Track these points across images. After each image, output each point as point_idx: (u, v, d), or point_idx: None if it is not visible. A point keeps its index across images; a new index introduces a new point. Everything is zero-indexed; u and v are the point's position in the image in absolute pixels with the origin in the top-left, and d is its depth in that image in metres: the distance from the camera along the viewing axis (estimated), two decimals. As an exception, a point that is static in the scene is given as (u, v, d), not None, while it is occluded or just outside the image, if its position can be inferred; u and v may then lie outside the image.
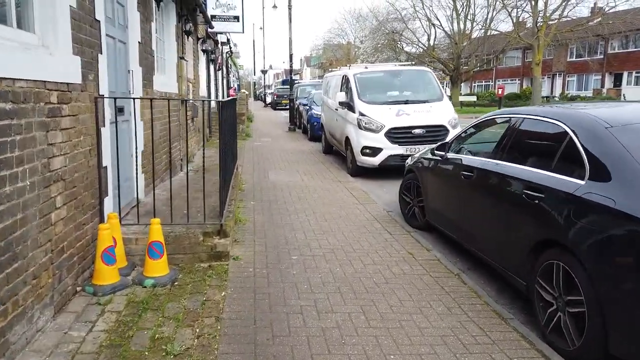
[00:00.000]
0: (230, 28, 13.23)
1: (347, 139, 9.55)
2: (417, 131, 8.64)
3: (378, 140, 8.68)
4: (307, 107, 17.24)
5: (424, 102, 9.30)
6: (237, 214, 5.79)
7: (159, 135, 6.62)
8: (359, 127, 8.97)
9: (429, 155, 5.63)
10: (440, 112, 9.01)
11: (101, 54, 4.05)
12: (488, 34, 38.96)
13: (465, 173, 4.41)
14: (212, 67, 15.81)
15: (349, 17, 60.52)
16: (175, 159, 8.18)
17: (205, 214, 4.62)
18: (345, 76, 10.29)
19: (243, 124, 15.14)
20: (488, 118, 4.73)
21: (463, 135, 5.04)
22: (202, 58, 13.67)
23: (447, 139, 8.93)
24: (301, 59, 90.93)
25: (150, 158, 6.04)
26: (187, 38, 9.06)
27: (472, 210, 4.36)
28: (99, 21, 3.99)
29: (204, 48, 11.95)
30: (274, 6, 41.31)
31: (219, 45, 19.98)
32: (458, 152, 4.95)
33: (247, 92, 18.87)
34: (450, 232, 4.95)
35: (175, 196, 5.79)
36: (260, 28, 62.83)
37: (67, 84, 3.35)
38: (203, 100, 8.73)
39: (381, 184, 8.64)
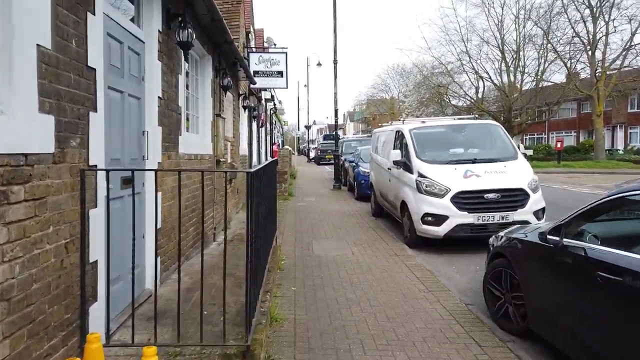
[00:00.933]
0: (273, 84, 12.58)
1: (404, 203, 8.23)
2: (490, 196, 7.21)
3: (442, 206, 7.30)
4: (354, 164, 16.17)
5: (496, 160, 7.91)
6: (272, 309, 4.51)
7: (184, 205, 5.57)
8: (419, 190, 7.65)
9: (527, 236, 4.22)
10: (517, 173, 7.58)
11: (95, 111, 3.04)
12: (540, 85, 37.41)
13: (606, 275, 2.97)
14: (254, 123, 15.18)
15: (392, 72, 60.46)
16: (207, 229, 7.10)
17: (225, 323, 3.36)
18: (400, 132, 9.12)
19: (285, 182, 14.17)
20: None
21: (587, 212, 3.61)
22: (244, 115, 13.00)
23: (527, 206, 7.51)
24: (344, 114, 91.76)
25: (171, 235, 4.96)
26: (225, 93, 8.25)
27: (624, 335, 2.88)
28: (93, 69, 3.02)
29: (245, 104, 11.23)
30: (319, 64, 41.64)
31: (263, 101, 19.58)
32: (579, 236, 3.52)
33: (290, 149, 18.09)
34: (576, 356, 3.43)
35: (197, 286, 4.63)
36: (305, 85, 64.15)
37: (25, 155, 2.30)
38: (226, 171, 7.70)
39: (448, 259, 7.17)
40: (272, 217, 6.20)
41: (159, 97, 4.48)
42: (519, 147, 8.33)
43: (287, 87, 12.50)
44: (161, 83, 4.57)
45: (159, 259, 4.61)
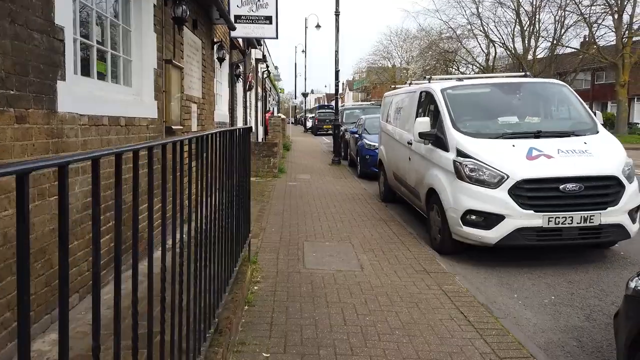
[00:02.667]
0: (260, 32, 9.98)
1: (432, 192, 5.90)
2: (569, 187, 4.85)
3: (496, 201, 4.97)
4: (357, 136, 13.79)
5: (570, 134, 5.54)
6: None
7: (78, 206, 3.21)
8: (458, 175, 5.30)
9: None
10: (604, 153, 5.21)
11: None
12: (555, 52, 34.60)
13: None
14: (238, 84, 12.64)
15: (395, 38, 56.80)
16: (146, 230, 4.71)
17: None
18: (426, 93, 6.70)
19: (275, 156, 11.77)
20: None
21: None
22: (223, 72, 10.47)
23: (621, 202, 5.04)
24: (343, 83, 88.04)
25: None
26: (180, 31, 5.73)
27: None
28: None
29: (221, 56, 8.70)
30: (318, 25, 38.60)
31: (253, 60, 16.96)
32: None
33: (284, 117, 15.62)
34: None
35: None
36: (303, 51, 60.84)
37: None
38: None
39: (501, 277, 4.90)
40: (239, 219, 3.87)
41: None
42: (595, 115, 5.94)
43: (277, 37, 9.95)
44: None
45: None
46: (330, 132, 24.09)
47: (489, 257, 5.49)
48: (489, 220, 5.01)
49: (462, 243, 5.39)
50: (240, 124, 13.18)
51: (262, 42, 17.23)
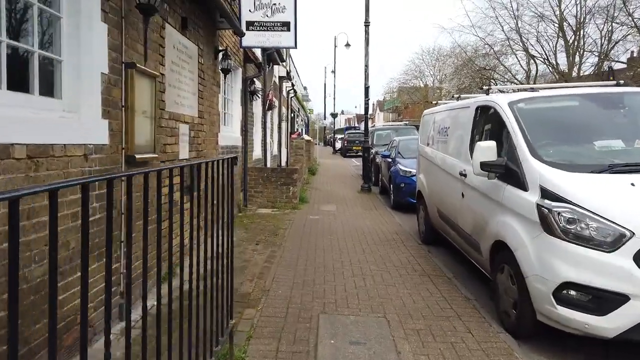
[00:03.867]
0: (276, 41, 8.54)
1: (501, 246, 4.15)
2: None
3: (613, 270, 3.20)
4: (390, 160, 12.11)
5: None
6: None
7: None
8: (547, 227, 3.55)
9: None
10: None
11: None
12: (602, 69, 32.05)
13: None
14: (256, 104, 11.23)
15: (427, 57, 54.78)
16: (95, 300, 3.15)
17: None
18: (485, 108, 5.01)
19: (295, 185, 10.21)
20: None
21: None
22: (235, 88, 9.07)
23: None
24: (373, 104, 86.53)
25: None
26: (146, 24, 4.24)
27: None
28: None
29: (226, 66, 7.26)
30: (347, 44, 37.45)
31: (276, 78, 15.62)
32: None
33: (308, 138, 14.14)
34: None
35: None
36: (332, 71, 59.87)
37: None
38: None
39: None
40: (208, 308, 2.28)
41: None
42: None
43: (295, 47, 8.49)
44: None
45: None
46: (360, 153, 22.54)
47: (593, 345, 3.69)
48: (602, 301, 3.22)
49: (547, 325, 3.62)
50: (257, 147, 11.74)
51: (285, 57, 15.91)
